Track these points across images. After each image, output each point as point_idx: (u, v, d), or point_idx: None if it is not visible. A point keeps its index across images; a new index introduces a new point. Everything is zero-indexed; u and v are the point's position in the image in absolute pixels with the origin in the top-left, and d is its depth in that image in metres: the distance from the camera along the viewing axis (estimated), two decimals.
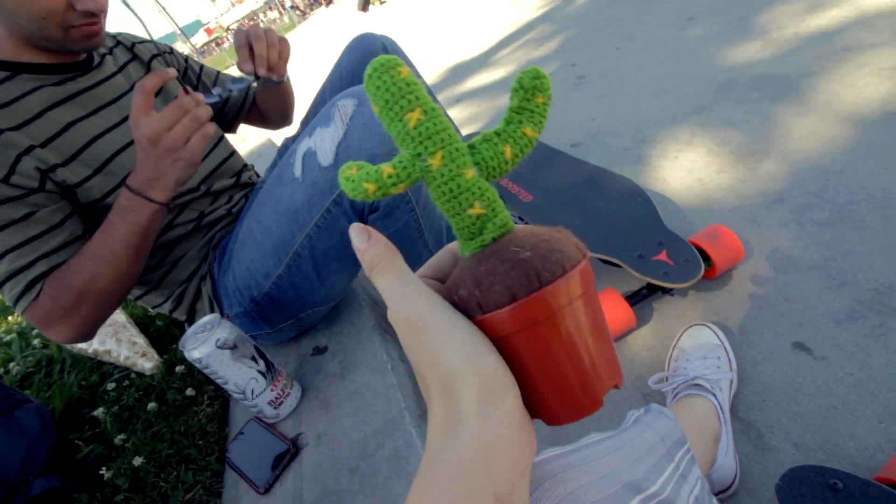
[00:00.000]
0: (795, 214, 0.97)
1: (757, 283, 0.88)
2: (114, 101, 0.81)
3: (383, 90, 0.22)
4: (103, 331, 1.13)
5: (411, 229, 0.76)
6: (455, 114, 2.35)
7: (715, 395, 0.67)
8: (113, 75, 0.83)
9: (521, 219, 1.12)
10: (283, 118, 1.10)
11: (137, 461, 0.81)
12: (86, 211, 0.76)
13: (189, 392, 0.96)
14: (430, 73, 3.21)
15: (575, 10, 2.95)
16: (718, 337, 0.77)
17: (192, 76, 0.99)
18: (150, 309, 0.92)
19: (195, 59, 1.04)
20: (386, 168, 0.23)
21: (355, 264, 0.86)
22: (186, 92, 0.66)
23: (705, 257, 0.89)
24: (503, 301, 0.21)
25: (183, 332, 1.18)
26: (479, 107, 2.29)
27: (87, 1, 0.67)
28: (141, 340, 1.13)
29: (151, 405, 0.95)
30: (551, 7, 3.28)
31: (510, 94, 0.25)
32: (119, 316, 1.19)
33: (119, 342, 1.10)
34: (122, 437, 0.89)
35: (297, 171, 0.73)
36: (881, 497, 0.52)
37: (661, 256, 0.89)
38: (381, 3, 10.53)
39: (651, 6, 2.39)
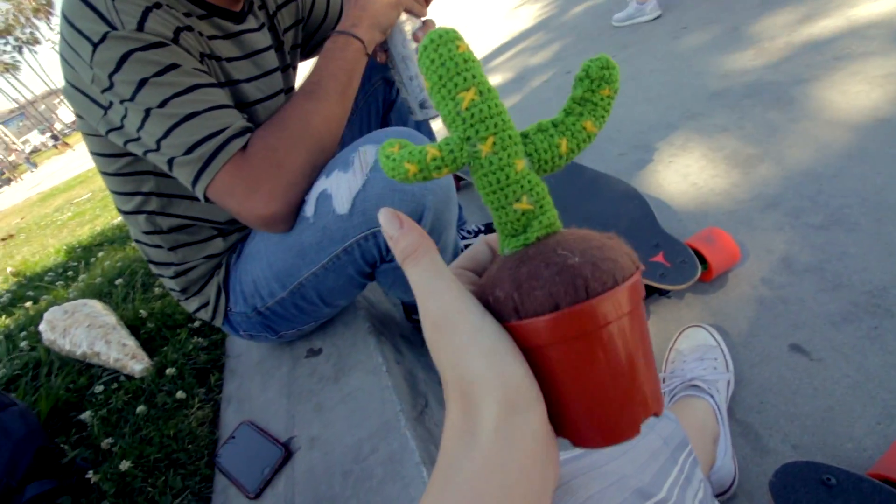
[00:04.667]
0: (790, 218, 0.97)
1: (753, 286, 0.88)
2: (250, 55, 0.78)
3: (438, 64, 0.20)
4: (93, 332, 1.11)
5: None
6: None
7: (712, 396, 0.66)
8: (255, 30, 0.80)
9: None
10: None
11: (125, 465, 0.79)
12: None
13: (180, 395, 0.94)
14: None
15: (569, 20, 2.98)
16: (715, 338, 0.77)
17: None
18: (151, 270, 0.85)
19: None
20: (431, 150, 0.21)
21: (361, 289, 0.85)
22: None
23: (701, 259, 0.89)
24: (544, 308, 0.19)
25: (175, 334, 1.16)
26: None
27: None
28: (131, 342, 1.11)
29: (140, 408, 0.93)
30: (546, 17, 3.31)
31: (573, 83, 0.23)
32: (109, 318, 1.17)
33: (108, 344, 1.09)
34: (109, 440, 0.87)
35: (310, 210, 0.71)
36: (873, 492, 0.52)
37: (657, 258, 0.88)
38: None
39: None
